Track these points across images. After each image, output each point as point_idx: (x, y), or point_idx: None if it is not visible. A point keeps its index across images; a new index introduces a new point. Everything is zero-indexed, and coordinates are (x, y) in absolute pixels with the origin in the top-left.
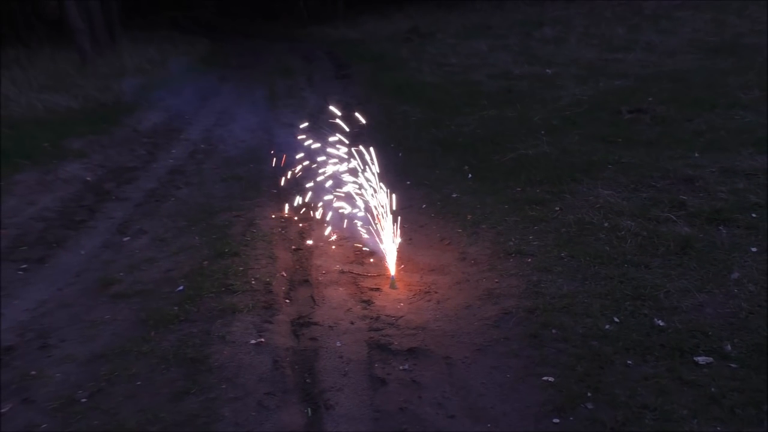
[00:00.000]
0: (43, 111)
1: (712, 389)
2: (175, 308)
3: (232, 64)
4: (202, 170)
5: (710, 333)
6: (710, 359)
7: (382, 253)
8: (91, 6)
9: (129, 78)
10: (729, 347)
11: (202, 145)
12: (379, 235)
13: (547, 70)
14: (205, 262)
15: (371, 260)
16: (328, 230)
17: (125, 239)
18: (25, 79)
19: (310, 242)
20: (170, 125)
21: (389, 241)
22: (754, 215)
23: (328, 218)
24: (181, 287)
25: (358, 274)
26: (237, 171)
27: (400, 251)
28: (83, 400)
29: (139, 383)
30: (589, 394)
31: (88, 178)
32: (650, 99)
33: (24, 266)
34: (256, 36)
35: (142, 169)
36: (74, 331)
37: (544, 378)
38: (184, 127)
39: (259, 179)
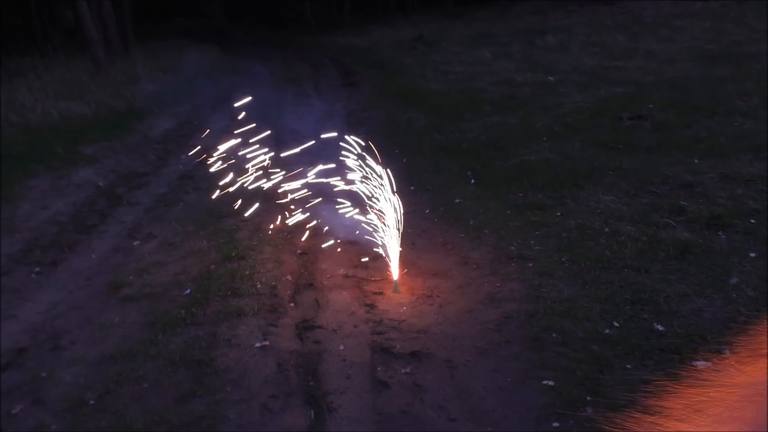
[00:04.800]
0: (58, 118)
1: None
2: (183, 311)
3: (242, 71)
4: (210, 176)
5: (709, 337)
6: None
7: (386, 257)
8: (105, 15)
9: (141, 85)
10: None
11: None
12: (383, 241)
13: (549, 78)
14: (213, 266)
15: (375, 264)
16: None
17: (135, 243)
18: (41, 86)
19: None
20: (180, 131)
21: (393, 246)
22: (752, 221)
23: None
24: (188, 290)
25: (362, 278)
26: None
27: (404, 255)
28: (92, 401)
29: (146, 385)
30: (588, 398)
31: (100, 183)
32: (650, 106)
33: (37, 269)
34: (264, 43)
35: (152, 174)
36: (85, 333)
37: (545, 381)
38: (194, 133)
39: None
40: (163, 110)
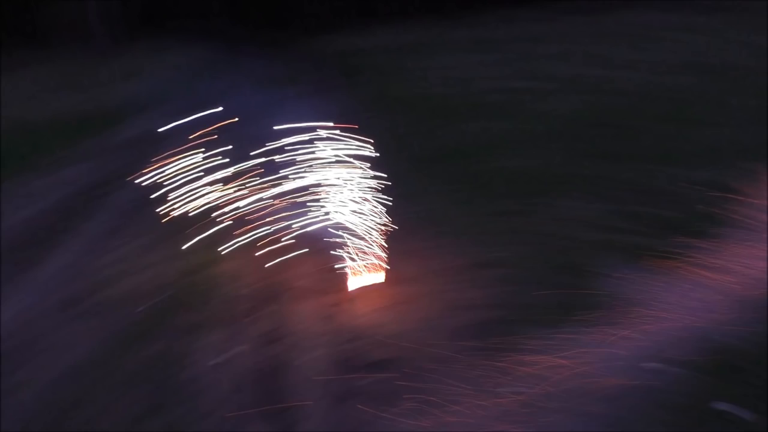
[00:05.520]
0: (55, 113)
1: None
2: (139, 327)
3: (243, 70)
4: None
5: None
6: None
7: (355, 265)
8: (105, 11)
9: (140, 82)
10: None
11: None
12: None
13: (546, 85)
14: (172, 279)
15: (343, 272)
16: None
17: (95, 255)
18: (38, 81)
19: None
20: (163, 133)
21: (363, 253)
22: (724, 228)
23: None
24: (145, 305)
25: (328, 287)
26: None
27: (375, 262)
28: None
29: (100, 407)
30: (554, 404)
31: (90, 181)
32: (633, 115)
33: None
34: (267, 43)
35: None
36: (38, 352)
37: (501, 389)
38: (175, 135)
39: None
40: (161, 107)
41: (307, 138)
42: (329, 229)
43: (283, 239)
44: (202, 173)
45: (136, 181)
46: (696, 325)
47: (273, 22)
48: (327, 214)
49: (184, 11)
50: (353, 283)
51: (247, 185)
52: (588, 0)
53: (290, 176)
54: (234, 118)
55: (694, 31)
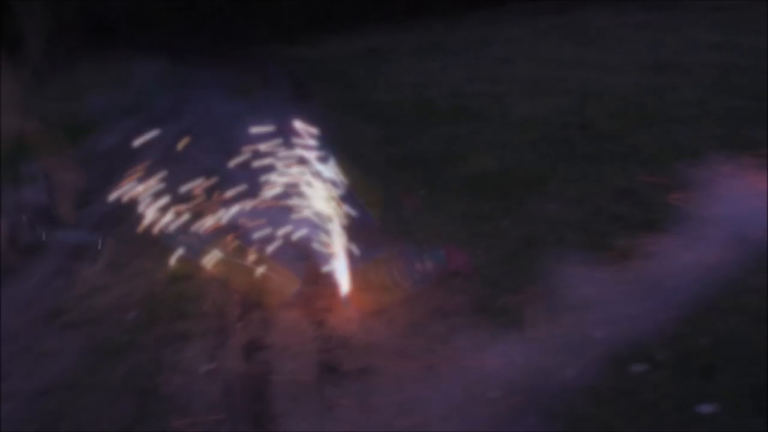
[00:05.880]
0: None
1: (645, 397)
2: (126, 337)
3: (192, 84)
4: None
5: (644, 342)
6: (644, 367)
7: (335, 273)
8: (47, 27)
9: (86, 99)
10: (660, 356)
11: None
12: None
13: (498, 88)
14: (158, 288)
15: (324, 280)
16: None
17: (78, 266)
18: None
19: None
20: (127, 147)
21: (342, 261)
22: (687, 226)
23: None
24: (132, 314)
25: (311, 295)
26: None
27: (353, 270)
28: None
29: (87, 417)
30: (533, 408)
31: (42, 203)
32: (594, 115)
33: None
34: (216, 56)
35: (96, 192)
36: (22, 364)
37: (490, 394)
38: (141, 149)
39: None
40: (110, 125)
41: (275, 145)
42: (312, 235)
43: (267, 246)
44: (177, 184)
45: (115, 193)
46: (677, 325)
47: (223, 35)
48: (308, 219)
49: (131, 24)
50: (336, 289)
51: (223, 194)
52: (549, 0)
53: (267, 183)
54: (197, 130)
55: (663, 30)
